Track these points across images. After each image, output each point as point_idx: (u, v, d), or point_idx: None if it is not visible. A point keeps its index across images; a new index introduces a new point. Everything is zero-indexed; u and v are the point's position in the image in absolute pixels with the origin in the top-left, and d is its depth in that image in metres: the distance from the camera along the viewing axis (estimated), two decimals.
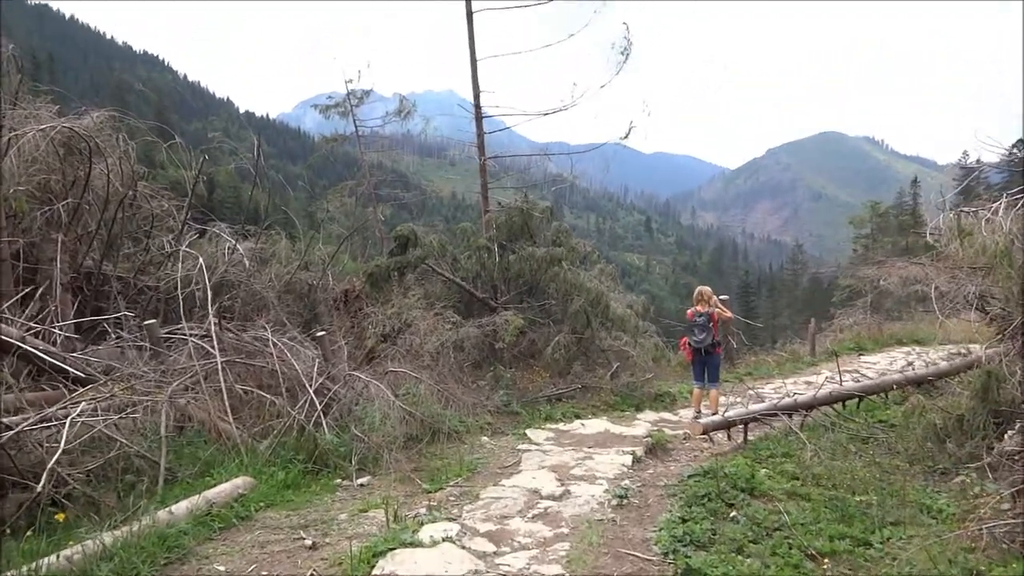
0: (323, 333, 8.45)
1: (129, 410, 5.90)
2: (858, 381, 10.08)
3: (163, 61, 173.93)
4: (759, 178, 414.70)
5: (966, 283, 6.59)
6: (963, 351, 14.74)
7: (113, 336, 7.78)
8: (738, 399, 10.50)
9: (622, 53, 12.42)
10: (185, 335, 7.41)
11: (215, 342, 7.18)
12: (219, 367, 6.88)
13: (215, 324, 7.57)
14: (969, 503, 4.99)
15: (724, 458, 6.92)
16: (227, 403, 6.62)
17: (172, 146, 10.54)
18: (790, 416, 8.03)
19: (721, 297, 10.05)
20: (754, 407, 8.02)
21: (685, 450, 7.80)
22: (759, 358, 15.97)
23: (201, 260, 8.32)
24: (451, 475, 6.43)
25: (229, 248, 9.84)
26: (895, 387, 9.24)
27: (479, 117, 13.36)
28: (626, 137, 12.58)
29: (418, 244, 11.08)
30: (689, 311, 9.30)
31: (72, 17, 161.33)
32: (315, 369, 7.55)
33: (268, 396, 6.89)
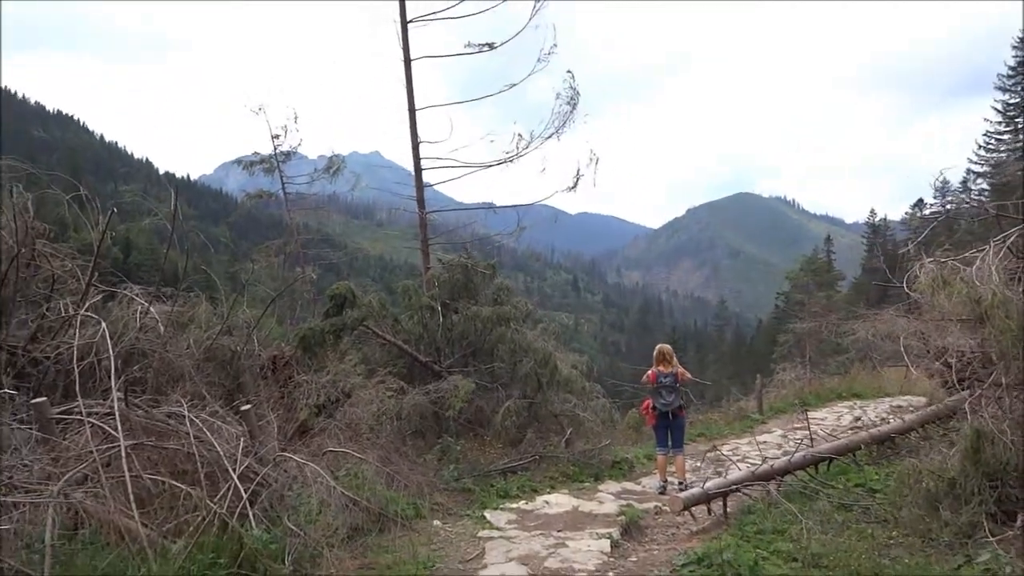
0: (249, 407, 7.42)
1: (4, 513, 4.79)
2: (825, 440, 9.66)
3: (79, 121, 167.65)
4: (680, 237, 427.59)
5: (958, 334, 6.20)
6: (903, 404, 14.75)
7: None
8: (698, 463, 9.92)
9: (568, 103, 12.01)
10: (82, 415, 6.28)
11: (119, 422, 6.09)
12: (123, 452, 5.79)
13: (120, 400, 6.48)
14: None
15: (708, 537, 6.23)
16: (132, 496, 5.53)
17: (83, 205, 9.42)
18: (765, 484, 7.44)
19: None
20: (733, 476, 7.37)
21: (660, 527, 7.06)
22: (707, 417, 15.56)
23: (104, 326, 7.19)
24: None
25: (141, 312, 8.71)
26: (862, 446, 8.87)
27: (418, 169, 12.65)
28: (574, 187, 12.10)
29: (356, 304, 10.18)
30: (651, 372, 8.71)
31: None
32: (240, 449, 6.51)
33: (182, 486, 5.82)
